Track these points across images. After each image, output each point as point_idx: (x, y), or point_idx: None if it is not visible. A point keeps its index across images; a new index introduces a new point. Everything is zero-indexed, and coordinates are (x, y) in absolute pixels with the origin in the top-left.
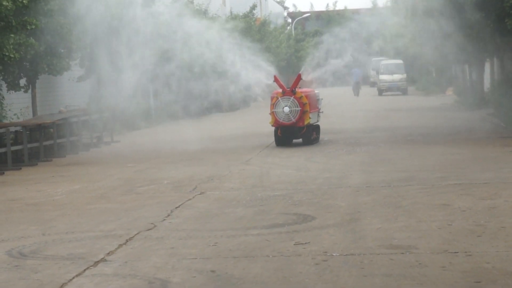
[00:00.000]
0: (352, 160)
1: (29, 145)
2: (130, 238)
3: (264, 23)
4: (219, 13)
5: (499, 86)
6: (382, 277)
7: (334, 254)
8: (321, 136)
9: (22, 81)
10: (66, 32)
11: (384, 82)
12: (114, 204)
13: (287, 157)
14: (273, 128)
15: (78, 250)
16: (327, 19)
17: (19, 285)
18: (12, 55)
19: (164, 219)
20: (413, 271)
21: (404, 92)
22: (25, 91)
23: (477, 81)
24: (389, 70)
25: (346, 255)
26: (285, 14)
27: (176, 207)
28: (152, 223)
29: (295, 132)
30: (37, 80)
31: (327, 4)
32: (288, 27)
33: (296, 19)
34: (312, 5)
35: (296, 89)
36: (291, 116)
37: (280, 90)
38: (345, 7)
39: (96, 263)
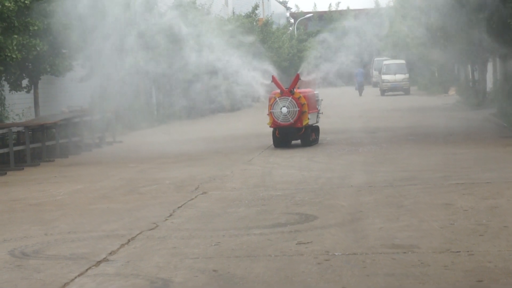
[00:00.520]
0: (354, 160)
1: (31, 146)
2: (132, 238)
3: (267, 24)
4: (222, 14)
5: (502, 86)
6: (384, 276)
7: (336, 254)
8: (323, 136)
9: (25, 82)
10: (69, 33)
11: (386, 82)
12: (116, 204)
13: (289, 157)
14: None
15: (81, 250)
16: (330, 19)
17: (21, 285)
18: (14, 56)
19: (166, 219)
20: (415, 270)
21: (406, 92)
22: (28, 92)
23: (480, 81)
24: (391, 70)
25: (348, 254)
26: (288, 14)
27: (178, 207)
28: (154, 223)
29: (294, 133)
30: (39, 81)
31: (330, 4)
32: (291, 28)
33: (299, 19)
34: (315, 5)
35: (295, 90)
36: (289, 117)
37: (278, 91)
38: (348, 7)
39: (98, 262)
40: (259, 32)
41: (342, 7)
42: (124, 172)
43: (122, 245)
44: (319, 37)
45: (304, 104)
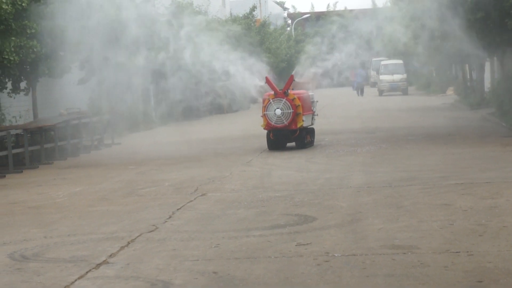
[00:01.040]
0: (353, 161)
1: (30, 148)
2: (132, 240)
3: (264, 24)
4: (219, 15)
5: (500, 85)
6: (384, 277)
7: (335, 255)
8: (322, 136)
9: (23, 84)
10: (66, 35)
11: (384, 82)
12: (116, 206)
13: (287, 158)
14: None
15: (80, 252)
16: (327, 20)
17: None
18: (12, 58)
19: (166, 221)
20: (415, 271)
21: (404, 92)
22: (26, 94)
23: (478, 80)
24: (389, 70)
25: (347, 255)
26: (285, 15)
27: (178, 209)
28: (153, 225)
29: (288, 136)
30: (37, 83)
31: (328, 5)
32: (288, 28)
33: (296, 20)
34: (312, 6)
35: (289, 91)
36: (283, 119)
37: (272, 92)
38: (345, 7)
39: (98, 265)
40: (257, 33)
41: (340, 7)
42: (123, 174)
43: (122, 248)
44: (315, 38)
45: (299, 105)
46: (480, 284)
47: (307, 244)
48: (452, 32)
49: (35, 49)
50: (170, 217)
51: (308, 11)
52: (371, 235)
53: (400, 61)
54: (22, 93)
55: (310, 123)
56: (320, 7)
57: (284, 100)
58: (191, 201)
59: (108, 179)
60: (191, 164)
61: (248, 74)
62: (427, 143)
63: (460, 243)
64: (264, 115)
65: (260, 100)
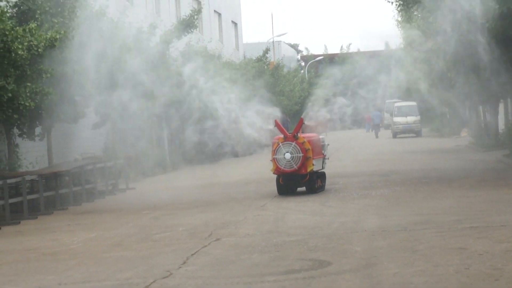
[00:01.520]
0: (368, 204)
1: (45, 194)
2: (147, 287)
3: (278, 67)
4: (233, 58)
5: None
6: None
7: None
8: (336, 179)
9: (38, 130)
10: (81, 80)
11: (398, 124)
12: (130, 252)
13: (302, 202)
14: None
15: None
16: (340, 62)
17: None
18: (27, 104)
19: (180, 267)
20: None
21: (418, 134)
22: (41, 139)
23: (492, 122)
24: (403, 112)
25: None
26: (298, 57)
27: (192, 254)
28: (168, 271)
29: (298, 180)
30: (52, 128)
31: (341, 46)
32: (302, 71)
33: (309, 62)
34: (325, 48)
35: (299, 134)
36: (292, 163)
37: (282, 135)
38: (358, 49)
39: None
40: (270, 75)
41: (353, 49)
42: (137, 219)
43: None
44: (326, 80)
45: (309, 149)
46: None
47: None
48: (466, 73)
49: (50, 96)
50: (184, 262)
51: (321, 53)
52: (387, 280)
53: (414, 103)
54: (37, 139)
55: (321, 167)
56: (334, 49)
57: (293, 143)
58: (206, 246)
59: (123, 225)
60: (205, 209)
61: (258, 118)
62: (442, 186)
63: None
64: (273, 159)
65: (270, 143)
